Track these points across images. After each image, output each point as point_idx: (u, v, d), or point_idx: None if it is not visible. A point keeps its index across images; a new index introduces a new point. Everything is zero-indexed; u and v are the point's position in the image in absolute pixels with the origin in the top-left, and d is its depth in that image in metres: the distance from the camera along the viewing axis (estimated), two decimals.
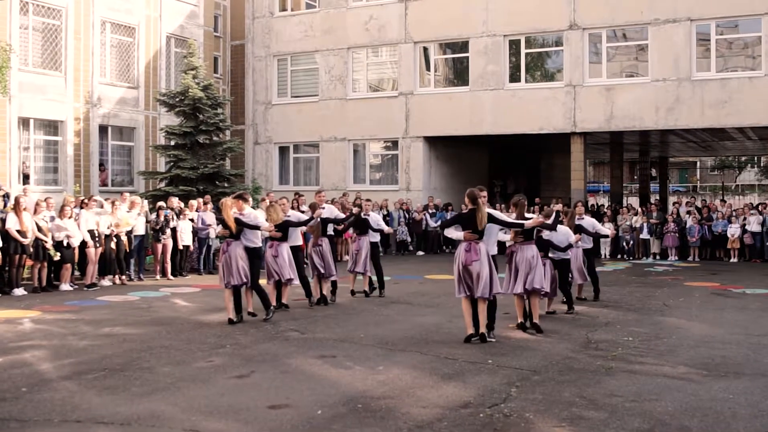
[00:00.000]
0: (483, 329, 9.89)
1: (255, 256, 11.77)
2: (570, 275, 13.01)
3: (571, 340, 10.13)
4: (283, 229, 12.45)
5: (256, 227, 11.59)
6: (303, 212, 14.16)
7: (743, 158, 55.45)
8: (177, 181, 22.61)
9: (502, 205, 26.16)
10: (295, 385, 7.69)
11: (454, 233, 10.04)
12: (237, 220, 11.35)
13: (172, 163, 23.44)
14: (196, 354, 9.17)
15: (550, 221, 11.17)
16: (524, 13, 25.01)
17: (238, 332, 10.61)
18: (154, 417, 6.61)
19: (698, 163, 63.99)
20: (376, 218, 14.69)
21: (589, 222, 13.81)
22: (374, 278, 14.53)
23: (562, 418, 6.63)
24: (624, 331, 10.80)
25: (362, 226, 14.26)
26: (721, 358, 8.98)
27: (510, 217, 10.66)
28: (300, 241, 13.29)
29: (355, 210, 15.22)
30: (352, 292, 14.35)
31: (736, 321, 11.84)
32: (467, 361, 8.77)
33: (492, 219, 9.91)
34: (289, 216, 12.88)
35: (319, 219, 13.14)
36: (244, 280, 11.37)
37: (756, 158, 55.75)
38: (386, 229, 14.91)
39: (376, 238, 14.54)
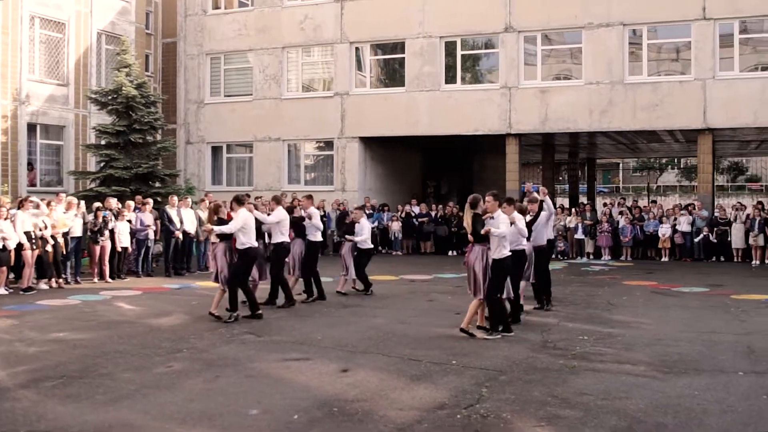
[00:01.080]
0: (464, 324, 10.40)
1: (240, 256, 11.96)
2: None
3: (528, 340, 10.20)
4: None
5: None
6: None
7: (664, 160, 57.06)
8: (110, 181, 22.04)
9: (439, 206, 26.53)
10: (264, 390, 7.55)
11: None
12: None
13: (104, 163, 22.84)
14: (154, 359, 8.93)
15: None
16: (460, 15, 25.17)
17: (193, 336, 10.38)
18: (126, 425, 6.40)
19: (621, 165, 65.65)
20: (364, 225, 15.00)
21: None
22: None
23: (539, 417, 6.67)
24: (577, 331, 10.94)
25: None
26: (677, 355, 9.18)
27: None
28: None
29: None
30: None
31: (681, 319, 12.13)
32: (431, 362, 8.76)
33: (475, 223, 10.34)
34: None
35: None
36: (219, 280, 12.06)
37: (676, 160, 57.45)
38: (357, 239, 14.88)
39: (361, 245, 14.86)
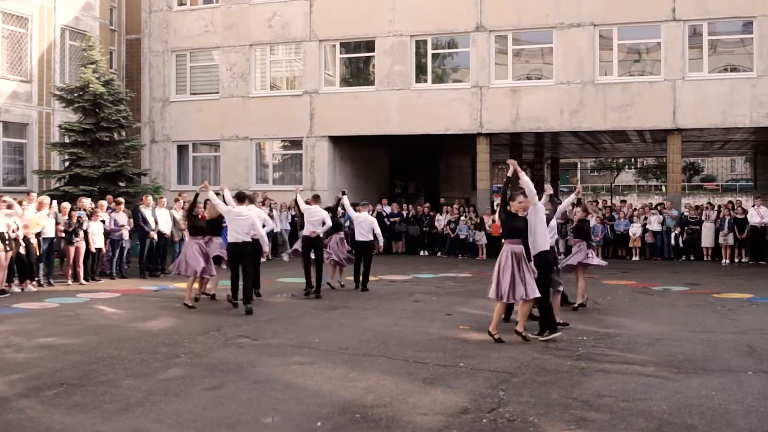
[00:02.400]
0: (518, 327, 10.19)
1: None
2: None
3: (529, 341, 10.10)
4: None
5: None
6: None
7: (621, 160, 57.66)
8: (77, 180, 21.51)
9: (409, 205, 26.42)
10: (277, 396, 7.33)
11: None
12: None
13: (70, 162, 22.30)
14: (153, 365, 8.64)
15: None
16: (431, 14, 25.09)
17: (186, 340, 10.09)
18: None
19: (579, 164, 66.25)
20: (359, 217, 15.77)
21: None
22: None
23: (567, 420, 6.56)
24: (574, 331, 10.87)
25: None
26: (682, 355, 9.16)
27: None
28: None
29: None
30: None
31: (673, 318, 12.16)
32: (439, 365, 8.62)
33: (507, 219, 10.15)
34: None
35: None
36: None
37: (633, 160, 58.08)
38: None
39: (359, 237, 15.65)
